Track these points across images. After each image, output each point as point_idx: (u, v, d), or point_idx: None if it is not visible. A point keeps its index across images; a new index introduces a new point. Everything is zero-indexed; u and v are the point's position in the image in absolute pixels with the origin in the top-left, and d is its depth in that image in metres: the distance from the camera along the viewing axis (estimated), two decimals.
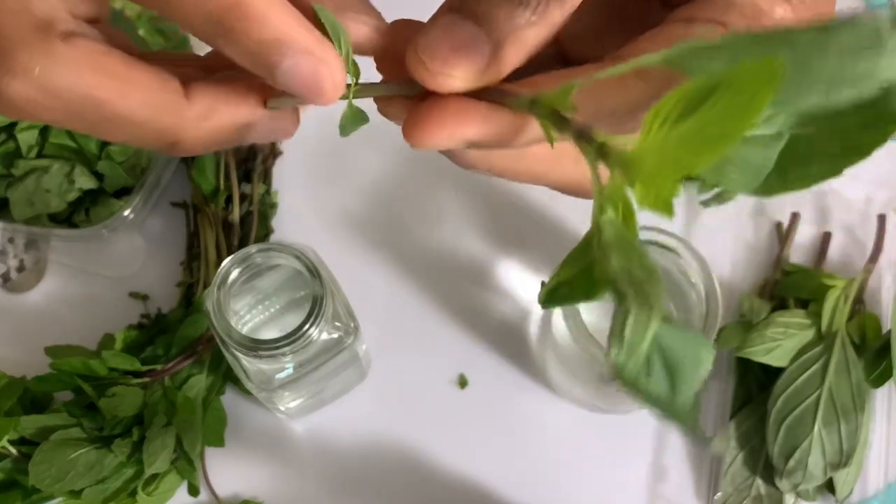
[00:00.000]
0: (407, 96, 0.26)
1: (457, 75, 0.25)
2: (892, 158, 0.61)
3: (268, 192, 0.60)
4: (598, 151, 0.21)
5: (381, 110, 0.27)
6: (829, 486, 0.54)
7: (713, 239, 0.59)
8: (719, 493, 0.55)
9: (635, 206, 0.20)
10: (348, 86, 0.26)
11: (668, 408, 0.19)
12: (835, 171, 0.21)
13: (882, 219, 0.58)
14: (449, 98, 0.25)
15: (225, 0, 0.24)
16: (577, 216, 0.60)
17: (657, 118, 0.18)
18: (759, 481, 0.54)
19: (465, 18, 0.25)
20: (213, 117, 0.27)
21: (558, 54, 0.30)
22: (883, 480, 0.55)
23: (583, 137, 0.22)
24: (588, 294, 0.22)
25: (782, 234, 0.59)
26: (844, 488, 0.53)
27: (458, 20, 0.25)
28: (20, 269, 0.60)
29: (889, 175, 0.61)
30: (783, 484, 0.53)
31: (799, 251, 0.59)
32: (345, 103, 0.27)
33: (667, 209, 0.19)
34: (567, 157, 0.28)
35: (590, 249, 0.22)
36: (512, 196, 0.61)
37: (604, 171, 0.21)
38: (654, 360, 0.20)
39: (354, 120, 0.27)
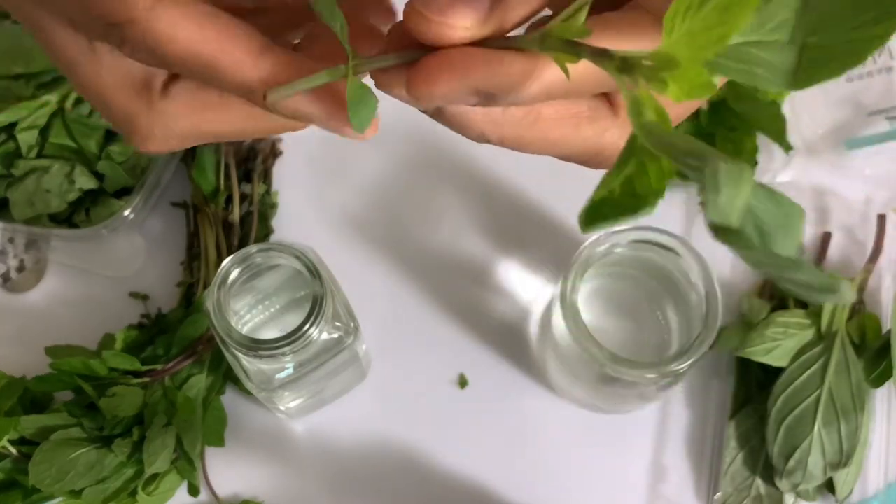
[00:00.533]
0: (406, 64, 0.25)
1: (458, 24, 0.23)
2: (892, 158, 0.61)
3: (268, 192, 0.60)
4: (621, 66, 0.21)
5: (377, 82, 0.26)
6: (829, 486, 0.54)
7: (713, 239, 0.59)
8: (719, 493, 0.55)
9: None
10: (345, 66, 0.25)
11: (775, 262, 0.19)
12: (850, 63, 0.21)
13: (882, 219, 0.58)
14: (453, 48, 0.24)
15: (185, 53, 0.25)
16: (577, 216, 0.60)
17: (678, 13, 0.20)
18: (758, 481, 0.54)
19: None
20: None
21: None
22: (883, 480, 0.55)
23: (602, 56, 0.22)
24: (635, 208, 0.22)
25: None
26: (844, 488, 0.53)
27: None
28: (20, 269, 0.60)
29: (888, 175, 0.61)
30: (783, 484, 0.53)
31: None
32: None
33: (709, 88, 0.20)
34: (584, 121, 0.27)
35: (625, 166, 0.22)
36: (512, 196, 0.61)
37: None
38: (747, 222, 0.19)
39: (361, 100, 0.25)
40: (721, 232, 0.18)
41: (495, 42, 0.24)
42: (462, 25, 0.24)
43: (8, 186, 0.57)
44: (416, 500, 0.56)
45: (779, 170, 0.60)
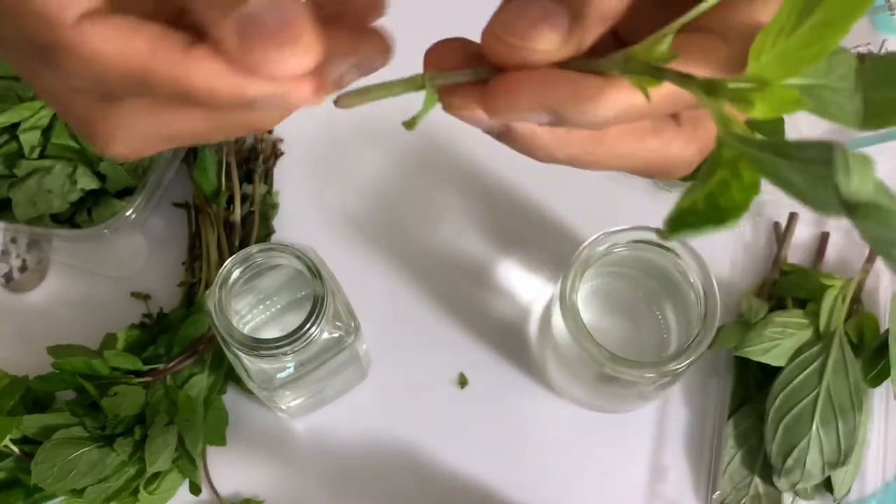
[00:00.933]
0: (476, 83, 0.25)
1: (538, 47, 0.24)
2: (892, 158, 0.61)
3: (269, 192, 0.60)
4: (707, 89, 0.22)
5: (445, 103, 0.26)
6: (827, 485, 0.54)
7: (711, 239, 0.59)
8: (718, 492, 0.55)
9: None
10: (422, 76, 0.25)
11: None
12: None
13: None
14: (533, 69, 0.24)
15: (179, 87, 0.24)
16: (577, 216, 0.61)
17: (770, 35, 0.22)
18: (757, 480, 0.55)
19: None
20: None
21: (616, 42, 0.29)
22: (881, 479, 0.55)
23: (687, 79, 0.22)
24: (718, 221, 0.23)
25: (780, 234, 0.59)
26: (842, 487, 0.53)
27: None
28: (22, 269, 0.61)
29: (887, 175, 0.61)
30: (781, 483, 0.53)
31: (797, 251, 0.60)
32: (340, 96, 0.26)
33: (799, 104, 0.22)
34: (649, 134, 0.27)
35: (709, 180, 0.23)
36: (512, 196, 0.61)
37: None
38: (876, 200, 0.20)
39: (430, 105, 0.26)
40: (857, 210, 0.19)
41: (573, 63, 0.24)
42: (543, 49, 0.24)
43: (10, 187, 0.57)
44: (416, 500, 0.56)
45: None
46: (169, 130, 0.27)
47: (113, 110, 0.26)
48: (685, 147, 0.28)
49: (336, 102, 0.25)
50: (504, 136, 0.27)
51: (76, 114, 0.27)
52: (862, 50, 0.62)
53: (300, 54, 0.23)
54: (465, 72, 0.25)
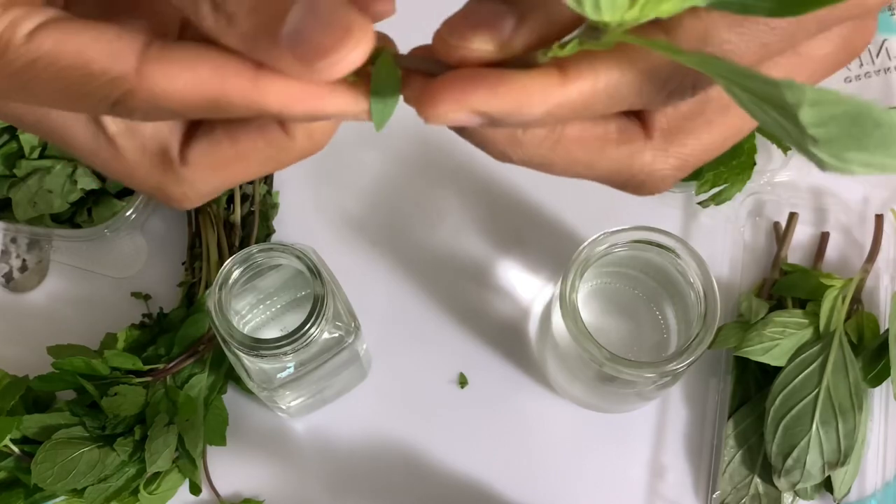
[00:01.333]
0: (428, 74, 0.25)
1: (474, 46, 0.24)
2: None
3: (269, 192, 0.60)
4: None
5: (404, 94, 0.26)
6: (827, 485, 0.54)
7: (711, 239, 0.59)
8: (718, 492, 0.55)
9: None
10: (376, 50, 0.24)
11: None
12: None
13: (879, 219, 0.58)
14: (464, 68, 0.24)
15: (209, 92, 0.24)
16: (577, 216, 0.61)
17: None
18: (757, 480, 0.55)
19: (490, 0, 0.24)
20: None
21: None
22: (881, 479, 0.55)
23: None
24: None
25: (780, 234, 0.59)
26: (842, 487, 0.53)
27: (484, 1, 0.24)
28: (23, 269, 0.61)
29: (886, 176, 0.61)
30: (781, 483, 0.53)
31: (797, 251, 0.60)
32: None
33: None
34: (611, 143, 0.26)
35: None
36: (512, 196, 0.61)
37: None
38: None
39: (388, 86, 0.25)
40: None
41: (514, 62, 0.24)
42: (479, 48, 0.24)
43: (10, 187, 0.57)
44: (416, 500, 0.56)
45: (777, 170, 0.60)
46: (234, 179, 0.28)
47: (182, 174, 0.27)
48: (656, 160, 0.27)
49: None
50: (459, 132, 0.26)
51: (147, 183, 0.28)
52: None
53: (359, 43, 0.22)
54: (419, 59, 0.25)
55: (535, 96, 0.24)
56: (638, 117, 0.27)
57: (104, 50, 0.24)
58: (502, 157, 0.27)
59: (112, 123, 0.27)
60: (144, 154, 0.27)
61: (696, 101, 0.27)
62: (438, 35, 0.24)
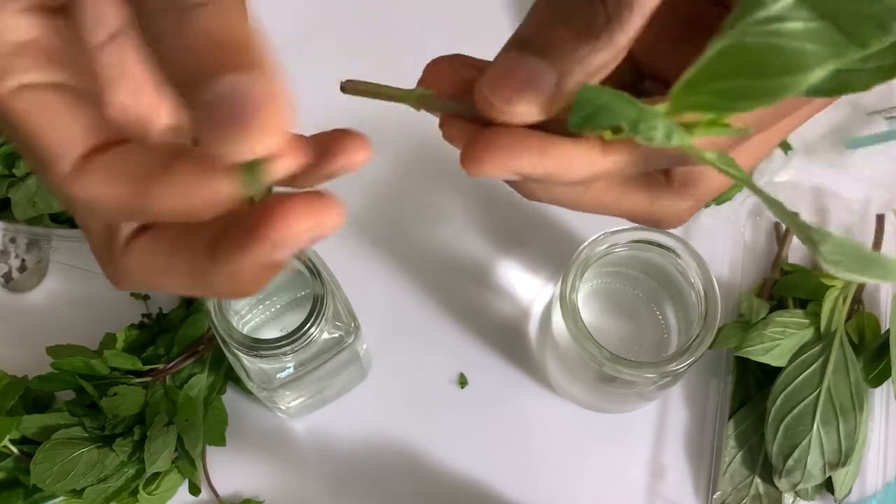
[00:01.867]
0: (471, 119, 0.26)
1: (519, 111, 0.25)
2: (891, 159, 0.61)
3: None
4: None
5: (444, 132, 0.27)
6: (828, 486, 0.54)
7: (712, 239, 0.59)
8: (718, 493, 0.55)
9: None
10: (418, 96, 0.26)
11: None
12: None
13: (880, 219, 0.58)
14: (509, 129, 0.25)
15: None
16: (577, 216, 0.60)
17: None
18: (757, 480, 0.54)
19: (528, 52, 0.25)
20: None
21: (632, 68, 0.30)
22: (881, 479, 0.55)
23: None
24: None
25: (781, 234, 0.59)
26: (843, 488, 0.53)
27: (523, 55, 0.25)
28: (22, 269, 0.60)
29: (888, 175, 0.61)
30: (782, 483, 0.53)
31: (798, 251, 0.59)
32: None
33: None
34: (635, 188, 0.29)
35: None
36: (512, 196, 0.61)
37: None
38: None
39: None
40: None
41: (557, 124, 0.25)
42: (524, 111, 0.25)
43: (9, 186, 0.57)
44: (416, 500, 0.56)
45: (778, 170, 0.60)
46: (161, 287, 0.28)
47: (119, 260, 0.28)
48: (675, 203, 0.30)
49: (342, 86, 0.26)
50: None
51: (94, 248, 0.29)
52: None
53: (272, 136, 0.22)
54: (455, 104, 0.26)
55: (578, 164, 0.25)
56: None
57: (54, 139, 0.25)
58: (531, 197, 0.29)
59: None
60: (97, 224, 0.28)
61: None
62: (481, 94, 0.25)
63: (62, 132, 0.25)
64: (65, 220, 0.58)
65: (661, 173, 0.30)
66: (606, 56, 0.24)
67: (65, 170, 0.25)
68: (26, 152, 0.26)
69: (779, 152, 0.59)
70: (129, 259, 0.28)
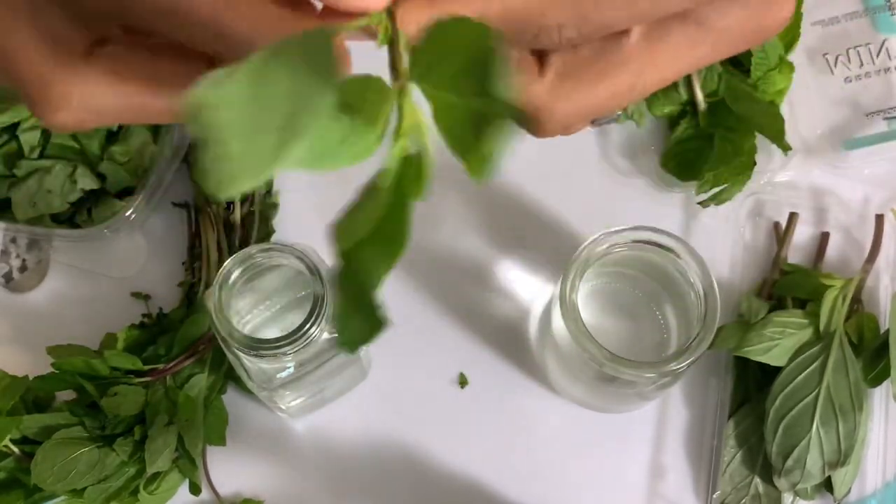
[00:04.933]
0: None
1: None
2: (890, 159, 0.61)
3: (269, 192, 0.60)
4: None
5: None
6: (828, 485, 0.54)
7: (712, 239, 0.59)
8: (718, 492, 0.55)
9: None
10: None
11: None
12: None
13: (880, 219, 0.58)
14: None
15: None
16: (577, 216, 0.61)
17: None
18: (757, 480, 0.55)
19: None
20: None
21: None
22: (881, 479, 0.55)
23: None
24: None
25: (780, 235, 0.59)
26: (842, 487, 0.53)
27: None
28: (22, 269, 0.61)
29: (887, 175, 0.61)
30: (781, 483, 0.53)
31: (797, 251, 0.60)
32: None
33: None
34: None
35: None
36: (512, 196, 0.61)
37: None
38: None
39: None
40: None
41: None
42: None
43: (10, 187, 0.57)
44: (416, 499, 0.56)
45: (777, 170, 0.60)
46: (131, 101, 0.26)
47: (79, 70, 0.25)
48: (544, 95, 0.28)
49: None
50: None
51: (29, 67, 0.25)
52: (861, 50, 0.62)
53: None
54: None
55: (405, 24, 0.24)
56: (539, 57, 0.28)
57: None
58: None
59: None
60: (47, 33, 0.25)
61: (593, 52, 0.28)
62: None
63: None
64: (65, 220, 0.58)
65: (535, 61, 0.28)
66: None
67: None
68: None
69: (779, 152, 0.59)
70: (94, 65, 0.25)
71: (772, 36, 0.29)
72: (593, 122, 0.59)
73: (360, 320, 0.23)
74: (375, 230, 0.23)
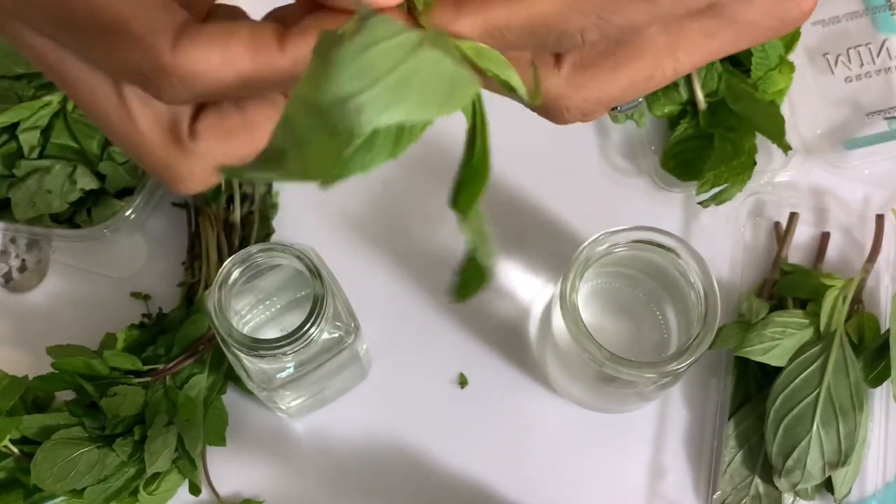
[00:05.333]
0: None
1: None
2: (891, 159, 0.61)
3: (269, 192, 0.60)
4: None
5: None
6: (828, 486, 0.54)
7: (712, 239, 0.59)
8: (718, 493, 0.55)
9: None
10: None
11: None
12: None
13: (880, 219, 0.58)
14: None
15: None
16: (577, 216, 0.61)
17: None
18: (757, 480, 0.54)
19: None
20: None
21: None
22: (881, 479, 0.55)
23: None
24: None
25: (781, 235, 0.59)
26: (843, 487, 0.53)
27: None
28: (22, 269, 0.60)
29: (887, 175, 0.61)
30: (782, 483, 0.53)
31: (797, 251, 0.60)
32: None
33: None
34: (525, 64, 0.28)
35: None
36: (512, 196, 0.61)
37: None
38: None
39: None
40: None
41: None
42: None
43: (10, 187, 0.57)
44: (416, 500, 0.56)
45: (777, 170, 0.60)
46: (240, 152, 0.27)
47: (191, 148, 0.27)
48: (561, 88, 0.29)
49: None
50: None
51: (155, 156, 0.27)
52: (862, 49, 0.62)
53: None
54: None
55: (438, 20, 0.25)
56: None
57: (143, 16, 0.24)
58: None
59: (129, 86, 0.26)
60: (157, 123, 0.27)
61: (609, 43, 0.28)
62: None
63: (147, 5, 0.24)
64: (65, 220, 0.58)
65: (552, 56, 0.29)
66: None
67: (163, 45, 0.24)
68: (87, 45, 0.25)
69: (779, 152, 0.59)
70: (201, 137, 0.27)
71: (793, 28, 0.29)
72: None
73: (477, 271, 0.27)
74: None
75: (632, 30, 0.26)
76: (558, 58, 0.29)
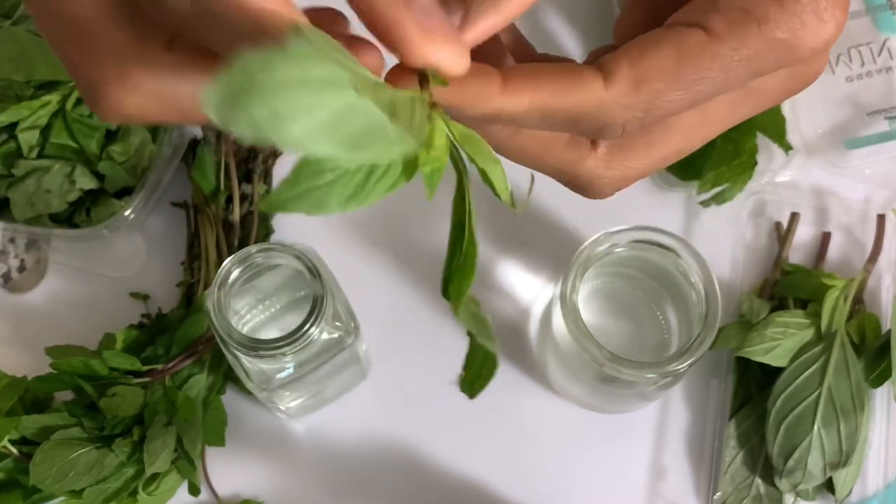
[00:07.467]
0: None
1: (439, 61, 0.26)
2: (892, 158, 0.61)
3: (268, 192, 0.60)
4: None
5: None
6: (829, 486, 0.54)
7: (713, 239, 0.59)
8: (719, 493, 0.55)
9: None
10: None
11: None
12: None
13: (881, 219, 0.58)
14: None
15: None
16: (577, 216, 0.60)
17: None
18: (758, 481, 0.54)
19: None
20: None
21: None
22: (882, 480, 0.55)
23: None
24: None
25: (782, 235, 0.59)
26: (844, 488, 0.53)
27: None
28: (21, 269, 0.60)
29: (888, 175, 0.61)
30: (783, 484, 0.53)
31: (798, 251, 0.59)
32: None
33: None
34: (561, 145, 0.30)
35: None
36: (512, 196, 0.61)
37: None
38: None
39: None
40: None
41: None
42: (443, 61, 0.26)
43: (9, 186, 0.57)
44: (416, 500, 0.56)
45: (778, 170, 0.60)
46: (196, 99, 0.25)
47: (160, 56, 0.25)
48: (597, 169, 0.31)
49: None
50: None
51: (107, 43, 0.25)
52: (863, 49, 0.62)
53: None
54: None
55: (474, 95, 0.27)
56: None
57: None
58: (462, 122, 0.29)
59: None
60: (127, 8, 0.25)
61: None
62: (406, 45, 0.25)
63: None
64: (64, 219, 0.58)
65: (588, 139, 0.30)
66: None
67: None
68: None
69: (780, 152, 0.59)
70: (176, 52, 0.25)
71: (808, 85, 0.31)
72: None
73: (483, 360, 0.28)
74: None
75: (670, 117, 0.28)
76: (593, 140, 0.30)
